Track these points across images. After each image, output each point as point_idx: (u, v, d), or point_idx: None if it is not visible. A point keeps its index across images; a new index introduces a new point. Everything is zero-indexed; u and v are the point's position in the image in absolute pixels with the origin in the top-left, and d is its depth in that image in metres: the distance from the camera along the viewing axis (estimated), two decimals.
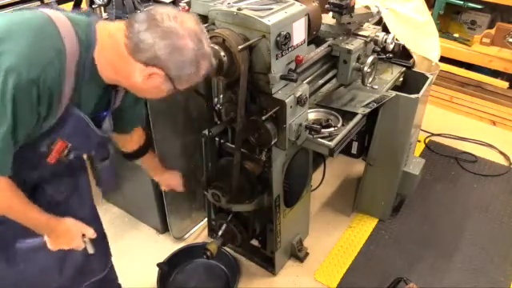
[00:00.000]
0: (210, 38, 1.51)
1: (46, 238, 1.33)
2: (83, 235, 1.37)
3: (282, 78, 1.58)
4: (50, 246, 1.33)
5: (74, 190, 1.46)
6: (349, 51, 1.90)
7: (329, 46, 1.92)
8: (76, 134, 1.20)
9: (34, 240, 1.35)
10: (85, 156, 1.51)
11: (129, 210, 2.59)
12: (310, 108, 1.84)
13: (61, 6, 1.29)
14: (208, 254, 1.96)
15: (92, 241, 1.40)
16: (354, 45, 1.92)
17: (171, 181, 1.82)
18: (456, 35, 3.62)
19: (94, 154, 1.38)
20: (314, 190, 2.46)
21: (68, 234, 1.33)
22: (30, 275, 1.42)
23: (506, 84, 3.36)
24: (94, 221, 1.58)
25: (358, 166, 2.87)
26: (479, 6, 3.36)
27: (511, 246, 2.45)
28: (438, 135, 3.30)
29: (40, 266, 1.42)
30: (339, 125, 1.83)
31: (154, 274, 2.15)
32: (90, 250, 1.41)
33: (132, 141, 1.60)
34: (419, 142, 3.10)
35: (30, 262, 1.40)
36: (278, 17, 1.49)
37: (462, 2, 3.37)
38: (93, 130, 1.23)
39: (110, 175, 1.54)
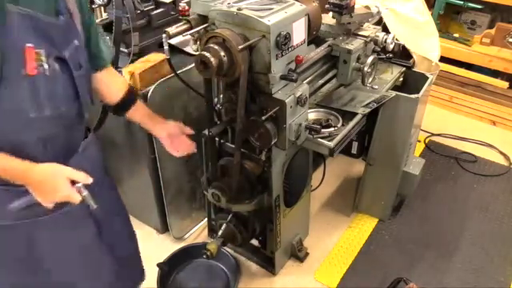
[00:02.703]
0: (210, 38, 1.51)
1: (30, 189, 1.20)
2: (73, 182, 1.21)
3: (282, 78, 1.58)
4: (38, 199, 1.20)
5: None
6: (349, 51, 1.90)
7: (329, 45, 1.92)
8: (32, 34, 1.06)
9: (22, 200, 1.22)
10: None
11: (129, 209, 2.56)
12: (310, 108, 1.84)
13: None
14: (208, 253, 1.96)
15: (93, 192, 1.23)
16: (354, 45, 1.92)
17: (176, 138, 1.68)
18: (456, 35, 3.62)
19: (69, 58, 1.17)
20: (314, 190, 2.46)
21: (50, 181, 1.18)
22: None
23: (506, 84, 3.36)
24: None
25: (358, 166, 2.87)
26: (479, 6, 3.36)
27: (511, 246, 2.45)
28: (438, 135, 3.30)
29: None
30: (339, 125, 1.83)
31: (154, 274, 2.15)
32: (92, 204, 1.24)
33: (113, 88, 1.51)
34: (419, 142, 3.10)
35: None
36: (278, 17, 1.48)
37: (461, 2, 3.38)
38: (47, 22, 1.10)
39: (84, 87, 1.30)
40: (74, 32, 1.23)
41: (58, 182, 1.19)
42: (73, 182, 1.21)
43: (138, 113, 1.61)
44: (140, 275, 1.86)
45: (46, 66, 1.09)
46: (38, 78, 1.09)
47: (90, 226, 1.46)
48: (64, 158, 1.29)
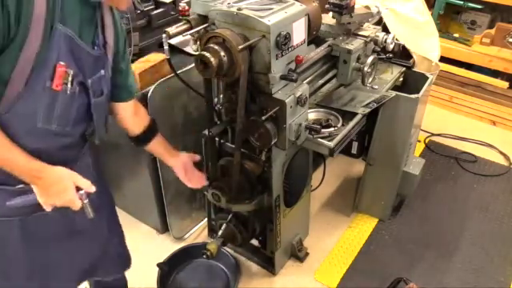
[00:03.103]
0: (210, 38, 1.51)
1: (34, 189, 1.21)
2: (77, 189, 1.24)
3: (282, 78, 1.58)
4: (40, 199, 1.22)
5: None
6: (349, 51, 1.90)
7: (329, 45, 1.92)
8: (68, 54, 1.13)
9: (24, 197, 1.24)
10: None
11: (129, 210, 2.59)
12: (310, 108, 1.84)
13: None
14: (208, 253, 1.96)
15: (91, 203, 1.26)
16: (354, 45, 1.92)
17: (189, 169, 1.78)
18: (456, 35, 3.62)
19: (91, 85, 1.24)
20: (314, 190, 2.46)
21: (58, 184, 1.21)
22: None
23: (506, 84, 3.36)
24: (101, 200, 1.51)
25: (358, 166, 2.87)
26: (479, 6, 3.36)
27: (511, 246, 2.45)
28: (438, 135, 3.30)
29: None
30: (339, 125, 1.83)
31: (154, 274, 2.15)
32: (89, 212, 1.26)
33: (136, 119, 1.58)
34: (419, 142, 3.10)
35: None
36: (278, 17, 1.49)
37: (461, 2, 3.38)
38: (83, 49, 1.17)
39: (101, 116, 1.36)
40: (103, 63, 1.28)
41: (66, 186, 1.22)
42: (76, 189, 1.24)
43: (157, 145, 1.67)
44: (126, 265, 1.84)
45: (68, 86, 1.16)
46: (58, 94, 1.15)
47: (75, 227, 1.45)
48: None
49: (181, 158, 1.76)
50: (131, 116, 1.56)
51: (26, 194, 1.23)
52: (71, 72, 1.15)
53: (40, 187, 1.21)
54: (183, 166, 1.77)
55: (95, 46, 1.24)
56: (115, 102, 1.48)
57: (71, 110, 1.21)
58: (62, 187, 1.22)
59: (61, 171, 1.22)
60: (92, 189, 1.26)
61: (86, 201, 1.24)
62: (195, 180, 1.83)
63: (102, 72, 1.28)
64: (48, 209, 1.24)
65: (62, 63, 1.11)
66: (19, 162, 1.16)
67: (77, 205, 1.24)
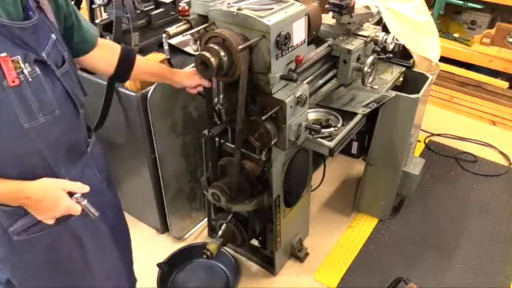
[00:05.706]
0: (210, 38, 1.51)
1: (29, 210, 1.16)
2: (70, 194, 1.18)
3: (282, 77, 1.58)
4: (38, 217, 1.17)
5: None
6: (349, 51, 1.91)
7: (329, 45, 1.93)
8: (2, 42, 1.00)
9: (23, 220, 1.20)
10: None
11: (129, 210, 2.58)
12: (310, 108, 1.84)
13: None
14: (208, 253, 1.96)
15: (91, 201, 1.21)
16: (354, 45, 1.92)
17: (191, 79, 1.62)
18: (456, 35, 3.62)
19: (48, 57, 1.11)
20: (314, 190, 2.46)
21: (47, 197, 1.14)
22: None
23: (505, 84, 3.36)
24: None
25: (358, 166, 2.87)
26: (479, 6, 3.36)
27: (511, 245, 2.45)
28: (438, 135, 3.30)
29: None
30: (339, 125, 1.83)
31: (154, 274, 2.15)
32: (93, 212, 1.21)
33: (109, 59, 1.44)
34: (419, 142, 3.10)
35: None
36: (278, 17, 1.49)
37: (461, 2, 3.37)
38: (15, 27, 1.03)
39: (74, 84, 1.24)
40: (48, 27, 1.15)
41: (56, 196, 1.16)
42: (70, 194, 1.18)
43: (144, 71, 1.54)
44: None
45: (26, 73, 1.04)
46: (22, 87, 1.04)
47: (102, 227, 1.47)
48: (74, 160, 1.28)
49: (185, 74, 1.62)
50: (102, 59, 1.42)
51: (25, 217, 1.19)
52: (18, 58, 1.02)
53: (31, 207, 1.16)
54: (189, 77, 1.62)
55: (29, 12, 1.08)
56: (82, 57, 1.36)
57: (46, 93, 1.11)
58: (53, 198, 1.15)
59: (44, 183, 1.15)
60: (85, 189, 1.20)
61: (84, 202, 1.20)
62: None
63: (53, 36, 1.14)
64: (51, 223, 1.20)
65: (2, 55, 0.99)
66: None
67: (76, 210, 1.19)
